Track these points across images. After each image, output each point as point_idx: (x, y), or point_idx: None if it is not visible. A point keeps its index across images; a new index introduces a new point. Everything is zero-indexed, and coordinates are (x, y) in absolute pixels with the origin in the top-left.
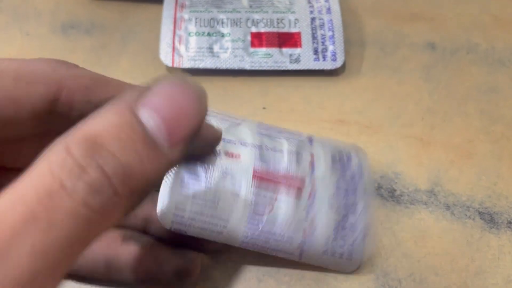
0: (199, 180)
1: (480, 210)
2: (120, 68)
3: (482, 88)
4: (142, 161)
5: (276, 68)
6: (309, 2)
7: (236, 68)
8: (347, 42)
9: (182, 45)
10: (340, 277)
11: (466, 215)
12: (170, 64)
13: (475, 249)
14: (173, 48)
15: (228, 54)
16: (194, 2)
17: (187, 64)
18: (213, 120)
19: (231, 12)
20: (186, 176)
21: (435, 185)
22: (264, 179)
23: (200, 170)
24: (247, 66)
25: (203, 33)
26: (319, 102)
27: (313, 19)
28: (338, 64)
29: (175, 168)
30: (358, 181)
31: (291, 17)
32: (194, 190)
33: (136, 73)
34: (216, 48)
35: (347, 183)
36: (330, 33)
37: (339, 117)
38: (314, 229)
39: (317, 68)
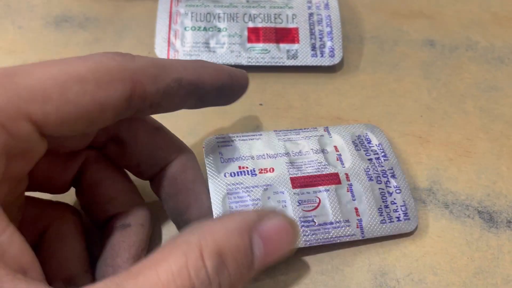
0: (245, 202)
1: (479, 209)
2: None
3: (482, 86)
4: (242, 279)
5: (273, 64)
6: None
7: (233, 64)
8: (346, 38)
9: (177, 39)
10: (338, 276)
11: (465, 214)
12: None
13: (474, 249)
14: (169, 43)
15: (225, 49)
16: None
17: (182, 59)
18: (234, 143)
19: (228, 6)
20: (234, 205)
21: (434, 183)
22: (303, 183)
23: (243, 193)
24: (244, 62)
25: (199, 27)
26: (316, 99)
27: (311, 15)
28: (336, 60)
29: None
30: (384, 150)
31: (289, 12)
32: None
33: None
34: (212, 43)
35: (376, 154)
36: (328, 29)
37: (336, 114)
38: (364, 205)
39: (314, 64)
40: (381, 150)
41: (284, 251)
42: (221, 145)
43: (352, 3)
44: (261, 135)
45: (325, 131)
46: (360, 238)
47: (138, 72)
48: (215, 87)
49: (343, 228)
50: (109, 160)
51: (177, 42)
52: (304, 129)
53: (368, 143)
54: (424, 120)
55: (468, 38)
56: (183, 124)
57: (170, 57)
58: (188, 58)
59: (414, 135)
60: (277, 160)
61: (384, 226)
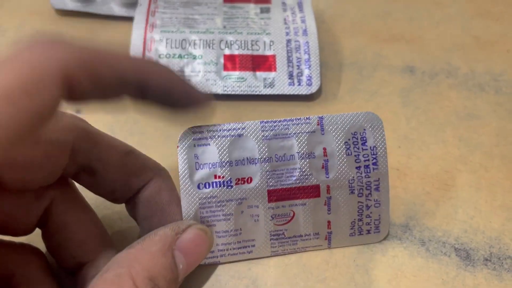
0: (217, 217)
1: (456, 246)
2: None
3: (461, 114)
4: None
5: (249, 92)
6: (285, 23)
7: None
8: (324, 65)
9: None
10: None
11: (442, 252)
12: None
13: None
14: None
15: (200, 78)
16: (165, 21)
17: None
18: (213, 141)
19: (204, 32)
20: (205, 219)
21: (410, 219)
22: (279, 197)
23: (216, 207)
24: (219, 91)
25: (174, 55)
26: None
27: (288, 41)
28: (313, 89)
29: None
30: (377, 155)
31: (266, 39)
32: (216, 229)
33: None
34: (187, 71)
35: (367, 160)
36: (306, 56)
37: None
38: (338, 218)
39: (292, 93)
40: (374, 156)
41: (203, 258)
42: (197, 143)
43: (332, 27)
44: (244, 128)
45: (318, 124)
46: (326, 248)
47: (70, 64)
48: (161, 93)
49: (311, 240)
50: (78, 199)
51: None
52: (296, 119)
53: (362, 144)
54: (402, 151)
55: (448, 64)
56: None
57: None
58: None
59: (392, 167)
60: (257, 167)
61: (352, 238)
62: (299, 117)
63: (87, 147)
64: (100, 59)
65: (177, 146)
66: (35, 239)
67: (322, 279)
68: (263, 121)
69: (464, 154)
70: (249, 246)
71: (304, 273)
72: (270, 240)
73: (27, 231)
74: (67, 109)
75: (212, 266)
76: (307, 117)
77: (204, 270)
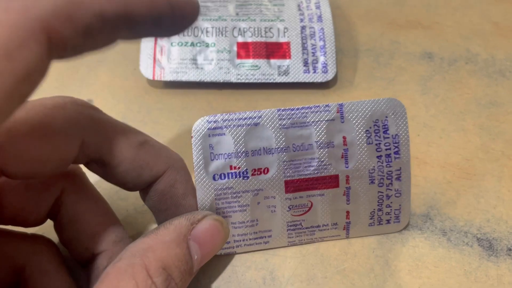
0: (233, 208)
1: (479, 236)
2: (98, 81)
3: (482, 102)
4: (186, 284)
5: (263, 81)
6: (300, 9)
7: (221, 81)
8: (340, 52)
9: (163, 56)
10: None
11: (464, 242)
12: (151, 77)
13: (473, 280)
14: (154, 60)
15: (213, 66)
16: None
17: (169, 77)
18: (228, 131)
19: (216, 20)
20: (221, 210)
21: (431, 209)
22: (297, 187)
23: (231, 199)
24: (233, 79)
25: (186, 43)
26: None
27: (303, 28)
28: (329, 76)
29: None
30: (400, 143)
31: (280, 25)
32: (232, 220)
33: (115, 86)
34: (200, 59)
35: (388, 149)
36: (321, 43)
37: None
38: (357, 209)
39: (307, 80)
40: (396, 144)
41: (218, 249)
42: (212, 133)
43: (347, 14)
44: (260, 117)
45: (338, 112)
46: (344, 238)
47: (48, 17)
48: (150, 18)
49: (329, 230)
50: (89, 189)
51: (163, 58)
52: (315, 106)
53: (384, 132)
54: (421, 140)
55: (467, 50)
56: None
57: (157, 75)
58: (174, 75)
59: (411, 155)
60: (274, 157)
61: (371, 228)
62: (317, 105)
63: (98, 139)
64: (75, 2)
65: (191, 136)
66: (48, 230)
67: (341, 270)
68: (280, 109)
69: (485, 142)
70: (265, 237)
71: (322, 264)
72: (287, 230)
73: (38, 222)
74: (80, 97)
75: (229, 257)
76: (326, 104)
77: (221, 260)
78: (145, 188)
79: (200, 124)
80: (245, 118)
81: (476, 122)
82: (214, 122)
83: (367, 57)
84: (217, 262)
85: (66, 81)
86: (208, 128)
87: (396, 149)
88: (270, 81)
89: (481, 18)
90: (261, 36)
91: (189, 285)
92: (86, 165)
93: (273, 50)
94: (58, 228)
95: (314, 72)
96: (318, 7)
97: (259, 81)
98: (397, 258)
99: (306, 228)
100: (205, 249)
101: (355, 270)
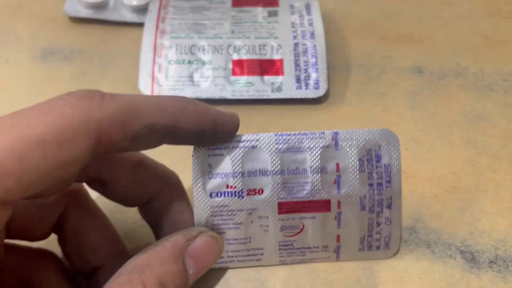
0: (227, 225)
1: (462, 248)
2: None
3: (470, 116)
4: None
5: (257, 97)
6: (293, 27)
7: (217, 98)
8: (332, 67)
9: (161, 73)
10: None
11: (447, 254)
12: (149, 94)
13: None
14: (153, 77)
15: (209, 83)
16: (175, 27)
17: (166, 94)
18: (226, 152)
19: (212, 38)
20: (216, 226)
21: (416, 222)
22: (290, 209)
23: (226, 216)
24: (228, 95)
25: (184, 60)
26: (301, 131)
27: (296, 45)
28: (320, 92)
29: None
30: (391, 173)
31: (274, 43)
32: (226, 236)
33: None
34: (196, 76)
35: (380, 178)
36: (313, 60)
37: None
38: (348, 233)
39: (299, 96)
40: (387, 174)
41: (212, 264)
42: (211, 153)
43: (339, 29)
44: (258, 140)
45: (332, 139)
46: (334, 260)
47: (105, 121)
48: (194, 133)
49: (319, 253)
50: (91, 206)
51: (161, 76)
52: (310, 133)
53: (377, 161)
54: (409, 154)
55: (457, 64)
56: None
57: (155, 92)
58: (172, 93)
59: None
60: (269, 179)
61: (361, 253)
62: (313, 131)
63: (98, 160)
64: (133, 112)
65: (192, 155)
66: (52, 243)
67: (329, 282)
68: (277, 134)
69: (472, 156)
70: (257, 254)
71: (311, 275)
72: (279, 250)
73: (43, 237)
74: None
75: (222, 270)
76: (322, 131)
77: (214, 272)
78: (143, 205)
79: None
80: (244, 141)
81: (463, 136)
82: None
83: (358, 72)
84: (211, 274)
85: None
86: (208, 149)
87: (388, 178)
88: (264, 97)
89: (472, 32)
90: (256, 54)
91: None
92: (87, 184)
93: (267, 67)
94: (61, 241)
95: (306, 88)
96: (311, 24)
97: (253, 97)
98: (382, 270)
99: (297, 249)
100: (200, 264)
101: (342, 282)
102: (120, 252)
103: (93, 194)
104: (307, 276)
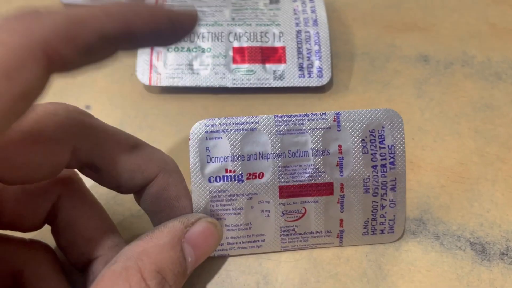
0: (227, 211)
1: (472, 240)
2: (96, 87)
3: (477, 105)
4: (179, 286)
5: (259, 85)
6: (295, 14)
7: (217, 86)
8: (335, 55)
9: (160, 61)
10: None
11: (457, 246)
12: (147, 83)
13: (465, 284)
14: (151, 65)
15: (209, 71)
16: None
17: (165, 82)
18: (225, 135)
19: (212, 25)
20: (215, 212)
21: (424, 213)
22: (291, 193)
23: (226, 202)
24: (228, 84)
25: (182, 48)
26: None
27: (298, 32)
28: (324, 81)
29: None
30: (395, 154)
31: (276, 30)
32: (226, 222)
33: (112, 92)
34: (196, 64)
35: (384, 159)
36: (316, 47)
37: None
38: (351, 217)
39: (302, 85)
40: (391, 155)
41: (212, 251)
42: (209, 137)
43: (343, 17)
44: (257, 122)
45: (334, 120)
46: (337, 246)
47: (48, 39)
48: (149, 33)
49: (322, 238)
50: (86, 195)
51: (160, 64)
52: (311, 114)
53: (380, 142)
54: (415, 143)
55: (464, 53)
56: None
57: (153, 80)
58: (171, 81)
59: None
60: (269, 163)
61: (365, 237)
62: (314, 113)
63: (90, 145)
64: (77, 23)
65: (189, 139)
66: (45, 235)
67: (334, 275)
68: (277, 116)
69: (480, 146)
70: (259, 241)
71: (315, 268)
72: (280, 235)
73: (36, 227)
74: (77, 105)
75: (223, 261)
76: (323, 112)
77: (215, 264)
78: (139, 191)
79: (198, 127)
80: (242, 123)
81: (471, 125)
82: (212, 125)
83: (362, 60)
84: (212, 266)
85: (64, 87)
86: (205, 132)
87: (392, 160)
88: (266, 86)
89: (478, 20)
90: (257, 41)
91: None
92: (80, 170)
93: (269, 54)
94: (55, 233)
95: (309, 76)
96: (313, 11)
97: (255, 85)
98: (389, 262)
99: (300, 234)
100: (199, 251)
101: (347, 275)
102: (116, 243)
103: (88, 183)
104: (312, 268)
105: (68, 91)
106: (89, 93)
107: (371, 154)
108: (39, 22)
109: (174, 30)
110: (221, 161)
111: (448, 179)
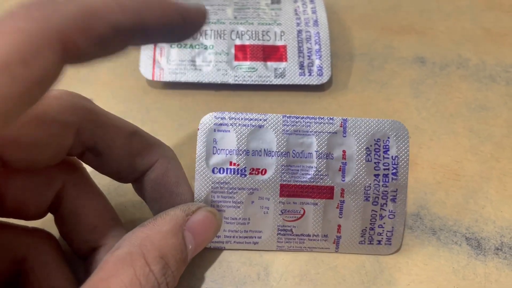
0: (227, 203)
1: (467, 235)
2: (99, 81)
3: (472, 106)
4: (181, 272)
5: (260, 82)
6: (296, 14)
7: (219, 82)
8: (335, 55)
9: (163, 57)
10: None
11: (453, 241)
12: (150, 77)
13: (461, 277)
14: (154, 61)
15: (211, 68)
16: None
17: (168, 78)
18: (233, 129)
19: (215, 23)
20: (215, 203)
21: (421, 208)
22: (292, 193)
23: (227, 194)
24: (230, 80)
25: (185, 45)
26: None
27: (299, 32)
28: (324, 79)
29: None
30: (399, 165)
31: (277, 29)
32: (225, 215)
33: (115, 86)
34: (198, 61)
35: (387, 169)
36: (316, 47)
37: None
38: (349, 224)
39: (302, 83)
40: (395, 166)
41: (211, 239)
42: (218, 129)
43: (342, 19)
44: (266, 120)
45: (341, 126)
46: (333, 252)
47: (64, 28)
48: (161, 28)
49: (319, 242)
50: (89, 184)
51: (163, 59)
52: (319, 118)
53: (384, 152)
54: (412, 141)
55: (459, 56)
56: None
57: (155, 75)
58: (173, 76)
59: None
60: (273, 160)
61: (361, 246)
62: (322, 117)
63: (92, 127)
64: (92, 14)
65: (198, 129)
66: (49, 224)
67: (333, 267)
68: (285, 115)
69: (474, 145)
70: (255, 237)
71: (315, 260)
72: (277, 234)
73: (39, 215)
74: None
75: (224, 253)
76: (331, 117)
77: (216, 256)
78: (138, 179)
79: (208, 118)
80: (251, 119)
81: (466, 125)
82: (222, 118)
83: (361, 61)
84: (213, 258)
85: (68, 81)
86: (214, 124)
87: (394, 171)
88: (267, 83)
89: (473, 24)
90: (259, 39)
91: (186, 281)
92: (81, 157)
93: (270, 53)
94: (58, 221)
95: (310, 75)
96: (314, 12)
97: (256, 83)
98: (387, 256)
99: (296, 235)
100: (199, 239)
101: (346, 267)
102: (119, 232)
103: (91, 174)
104: (312, 260)
105: (71, 85)
106: (92, 86)
107: (375, 162)
108: (56, 10)
109: (185, 26)
110: (227, 154)
111: (444, 176)
